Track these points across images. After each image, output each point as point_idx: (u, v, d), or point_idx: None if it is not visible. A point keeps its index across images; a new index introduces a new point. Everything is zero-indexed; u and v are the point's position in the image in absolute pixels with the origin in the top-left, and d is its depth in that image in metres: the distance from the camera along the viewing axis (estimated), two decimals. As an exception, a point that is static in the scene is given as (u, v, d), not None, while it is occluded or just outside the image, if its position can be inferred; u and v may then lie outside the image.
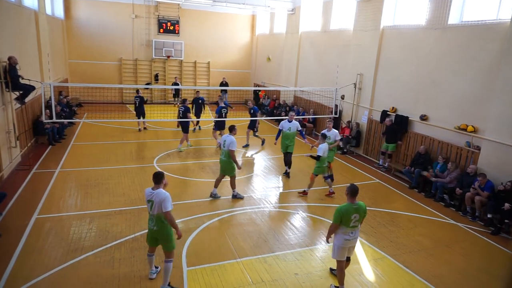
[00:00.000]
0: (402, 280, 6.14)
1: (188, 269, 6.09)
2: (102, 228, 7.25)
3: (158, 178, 5.37)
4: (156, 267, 5.95)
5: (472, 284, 6.27)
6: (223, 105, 13.22)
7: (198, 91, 15.58)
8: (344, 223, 5.38)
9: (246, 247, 6.84)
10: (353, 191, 5.43)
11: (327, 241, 5.91)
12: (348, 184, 5.56)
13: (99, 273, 5.85)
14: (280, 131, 10.88)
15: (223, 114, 13.08)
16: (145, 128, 15.72)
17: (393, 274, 6.31)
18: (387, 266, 6.53)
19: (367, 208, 8.81)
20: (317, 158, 8.99)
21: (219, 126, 13.19)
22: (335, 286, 5.83)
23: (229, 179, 8.98)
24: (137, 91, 15.64)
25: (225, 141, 8.64)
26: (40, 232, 7.00)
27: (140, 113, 15.18)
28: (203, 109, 15.52)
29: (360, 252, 6.98)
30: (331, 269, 6.23)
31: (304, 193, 9.44)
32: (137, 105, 15.21)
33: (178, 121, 13.36)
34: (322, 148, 9.01)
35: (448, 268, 6.60)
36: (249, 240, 7.12)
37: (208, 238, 7.15)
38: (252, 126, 13.82)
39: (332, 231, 5.55)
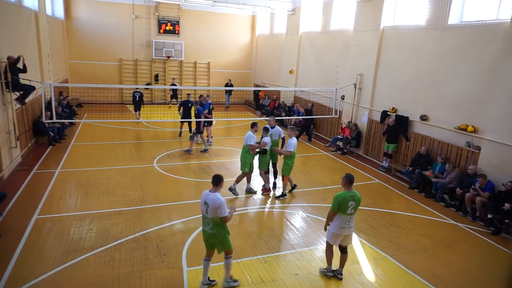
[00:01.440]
0: (402, 280, 6.14)
1: (188, 269, 6.09)
2: (102, 229, 7.25)
3: (217, 180, 5.33)
4: (212, 281, 5.66)
5: (473, 284, 6.26)
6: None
7: (188, 94, 14.86)
8: (341, 210, 5.67)
9: (246, 247, 6.84)
10: (350, 179, 5.77)
11: (325, 229, 6.07)
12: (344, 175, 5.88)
13: (99, 273, 5.85)
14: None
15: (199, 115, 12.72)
16: (139, 119, 17.08)
17: (393, 274, 6.31)
18: (387, 266, 6.53)
19: (368, 208, 8.89)
20: (263, 151, 9.15)
21: (199, 129, 12.82)
22: (323, 269, 6.16)
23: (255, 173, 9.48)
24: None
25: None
26: (40, 232, 7.00)
27: (138, 107, 16.81)
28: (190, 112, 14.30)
29: (360, 252, 6.98)
30: (320, 270, 6.23)
31: (283, 196, 9.34)
32: (137, 99, 16.60)
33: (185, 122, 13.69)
34: (266, 142, 9.09)
35: (448, 268, 6.59)
36: (249, 240, 7.12)
37: (208, 238, 7.14)
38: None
39: (330, 217, 5.84)
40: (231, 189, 9.14)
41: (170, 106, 20.96)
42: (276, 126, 9.85)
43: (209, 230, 5.34)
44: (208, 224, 5.33)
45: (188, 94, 15.09)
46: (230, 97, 22.75)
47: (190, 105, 13.80)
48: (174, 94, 21.49)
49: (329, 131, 15.97)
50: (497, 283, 6.19)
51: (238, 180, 9.23)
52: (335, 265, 6.14)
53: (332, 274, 6.09)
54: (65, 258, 6.15)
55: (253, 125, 9.26)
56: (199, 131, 12.88)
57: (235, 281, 5.68)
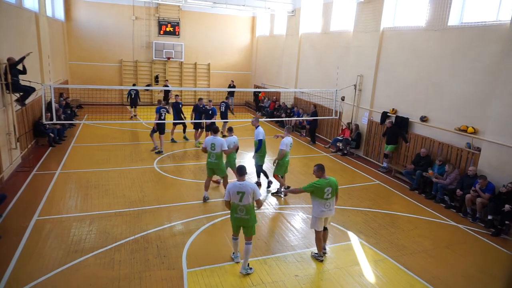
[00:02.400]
0: (403, 282, 6.13)
1: (188, 270, 6.08)
2: (102, 230, 7.24)
3: (243, 170, 5.98)
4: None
5: (473, 286, 6.25)
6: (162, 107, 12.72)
7: (177, 95, 14.53)
8: (319, 196, 6.23)
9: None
10: (321, 168, 6.34)
11: (285, 194, 7.37)
12: (317, 165, 6.38)
13: (99, 274, 5.84)
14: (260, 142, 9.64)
15: (163, 115, 12.47)
16: (135, 116, 18.14)
17: (393, 275, 6.30)
18: (388, 268, 6.52)
19: (368, 209, 8.88)
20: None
21: (160, 128, 12.45)
22: (315, 253, 6.67)
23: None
24: (134, 84, 19.57)
25: (213, 144, 8.53)
26: (40, 233, 6.99)
27: (134, 103, 18.05)
28: (182, 114, 13.91)
29: (361, 253, 6.97)
30: (312, 254, 6.76)
31: (283, 193, 9.48)
32: (132, 96, 17.68)
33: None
34: (233, 142, 9.19)
35: (448, 270, 6.58)
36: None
37: (208, 240, 7.14)
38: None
39: (295, 192, 6.84)
40: (204, 198, 8.84)
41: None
42: (259, 126, 9.73)
43: (244, 215, 5.91)
44: (242, 211, 5.91)
45: (177, 95, 14.69)
46: (233, 99, 22.06)
47: (181, 106, 13.70)
48: (166, 96, 21.03)
49: (329, 132, 15.97)
50: (497, 284, 6.18)
51: (225, 184, 8.65)
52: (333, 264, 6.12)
53: (322, 259, 6.62)
54: (65, 260, 6.15)
55: (230, 130, 9.54)
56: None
57: (251, 268, 6.11)
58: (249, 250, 6.03)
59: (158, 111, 12.42)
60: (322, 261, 6.55)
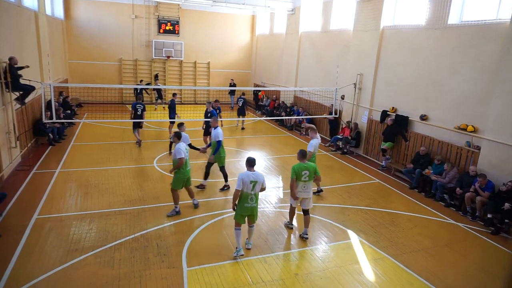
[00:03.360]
0: (402, 280, 6.14)
1: (188, 269, 6.09)
2: (102, 229, 7.25)
3: (254, 162, 6.41)
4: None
5: (472, 284, 6.26)
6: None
7: (175, 93, 14.66)
8: (298, 178, 6.95)
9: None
10: (302, 154, 7.09)
11: (294, 198, 7.16)
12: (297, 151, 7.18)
13: (99, 273, 5.85)
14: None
15: (139, 111, 12.83)
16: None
17: (393, 274, 6.31)
18: (387, 266, 6.53)
19: (368, 208, 8.89)
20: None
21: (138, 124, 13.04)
22: (287, 221, 7.70)
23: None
24: (141, 80, 20.58)
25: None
26: (40, 232, 7.00)
27: (139, 124, 16.58)
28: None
29: (360, 252, 6.98)
30: (285, 223, 7.78)
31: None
32: (139, 112, 15.50)
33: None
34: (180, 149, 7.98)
35: (448, 268, 6.60)
36: (249, 240, 7.12)
37: (209, 238, 7.15)
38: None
39: (292, 185, 7.04)
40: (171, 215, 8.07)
41: (156, 108, 20.73)
42: (218, 127, 9.24)
43: (254, 204, 6.36)
44: (252, 200, 6.32)
45: (174, 93, 14.80)
46: (234, 97, 22.07)
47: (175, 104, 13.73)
48: (159, 95, 20.95)
49: (329, 131, 15.96)
50: (497, 282, 6.19)
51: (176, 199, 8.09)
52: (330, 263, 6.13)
53: (293, 227, 7.61)
54: (65, 258, 6.15)
55: (180, 125, 9.07)
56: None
57: (251, 243, 6.80)
58: (254, 230, 6.76)
59: (134, 107, 12.87)
60: (291, 228, 7.59)
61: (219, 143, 9.11)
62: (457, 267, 6.65)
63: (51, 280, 5.62)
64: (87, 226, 7.30)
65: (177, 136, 7.88)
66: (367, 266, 6.51)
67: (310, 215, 7.36)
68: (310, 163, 7.13)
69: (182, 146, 7.76)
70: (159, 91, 20.79)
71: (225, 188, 9.58)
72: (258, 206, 6.65)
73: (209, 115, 12.56)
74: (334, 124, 15.08)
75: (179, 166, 7.68)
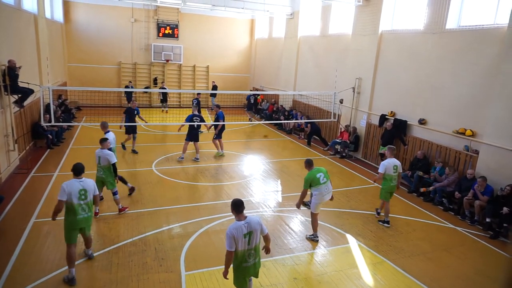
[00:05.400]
0: (401, 284, 6.12)
1: (186, 273, 6.06)
2: (100, 232, 7.22)
3: (242, 205, 4.72)
4: None
5: (471, 289, 6.26)
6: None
7: (199, 94, 15.88)
8: (316, 183, 6.98)
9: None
10: (309, 162, 7.25)
11: (298, 207, 7.21)
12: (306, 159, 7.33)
13: (96, 277, 5.82)
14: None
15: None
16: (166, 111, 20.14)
17: (391, 278, 6.29)
18: (386, 270, 6.51)
19: (367, 212, 8.88)
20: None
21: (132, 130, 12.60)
22: (309, 235, 7.39)
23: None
24: (130, 81, 20.66)
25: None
26: (38, 235, 6.97)
27: (129, 98, 19.07)
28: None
29: (359, 256, 6.96)
30: (307, 236, 7.49)
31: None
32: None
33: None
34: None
35: (446, 272, 6.58)
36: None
37: (207, 242, 7.12)
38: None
39: (303, 196, 7.05)
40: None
41: (164, 111, 20.89)
42: (110, 132, 8.64)
43: (254, 260, 4.76)
44: (251, 256, 4.70)
45: (199, 93, 15.95)
46: (214, 99, 22.11)
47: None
48: (164, 98, 21.11)
49: (327, 135, 15.97)
50: (495, 286, 6.18)
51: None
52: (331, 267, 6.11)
53: (318, 240, 7.32)
54: (63, 262, 6.10)
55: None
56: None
57: None
58: (251, 285, 5.12)
59: (129, 112, 12.56)
60: (317, 241, 7.28)
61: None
62: (455, 271, 6.64)
63: (48, 284, 5.59)
64: (85, 230, 7.26)
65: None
66: (366, 270, 6.50)
67: (309, 218, 7.38)
68: (318, 167, 7.22)
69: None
70: (164, 94, 20.87)
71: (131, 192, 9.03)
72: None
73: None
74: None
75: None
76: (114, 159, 7.72)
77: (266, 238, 4.98)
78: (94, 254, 6.41)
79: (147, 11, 21.70)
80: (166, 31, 22.15)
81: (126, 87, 19.86)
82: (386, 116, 12.35)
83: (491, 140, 8.83)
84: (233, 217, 4.74)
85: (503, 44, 8.60)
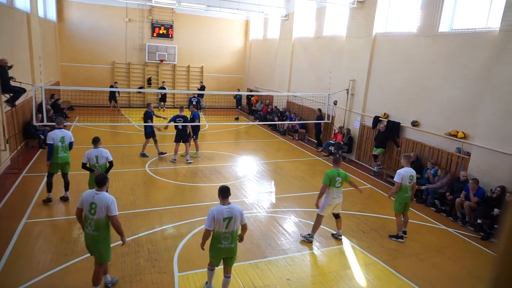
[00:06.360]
0: (393, 285, 6.16)
1: (179, 274, 6.05)
2: (92, 233, 7.15)
3: (228, 192, 5.18)
4: None
5: (463, 289, 6.31)
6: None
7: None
8: (332, 184, 7.11)
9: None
10: (336, 160, 7.47)
11: (317, 206, 7.24)
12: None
13: (89, 278, 5.75)
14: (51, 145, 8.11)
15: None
16: (115, 107, 20.18)
17: (384, 279, 6.33)
18: (379, 271, 6.55)
19: (360, 213, 8.93)
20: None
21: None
22: (306, 234, 7.46)
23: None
24: (115, 81, 20.80)
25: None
26: (29, 236, 6.89)
27: (112, 97, 19.93)
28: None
29: (352, 257, 7.00)
30: (332, 234, 7.73)
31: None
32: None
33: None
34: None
35: (438, 273, 6.64)
36: (240, 245, 7.06)
37: (200, 243, 7.09)
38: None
39: (323, 192, 7.17)
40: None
41: (161, 110, 20.82)
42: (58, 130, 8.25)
43: (230, 244, 5.21)
44: (226, 239, 5.15)
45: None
46: (202, 99, 21.91)
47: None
48: (163, 97, 21.23)
49: (321, 136, 16.03)
50: (485, 286, 6.23)
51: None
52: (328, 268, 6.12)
53: (312, 241, 7.36)
54: (55, 263, 6.07)
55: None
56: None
57: None
58: (228, 283, 5.44)
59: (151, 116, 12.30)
60: (311, 242, 7.35)
61: (51, 147, 8.05)
62: (447, 272, 6.70)
63: (40, 285, 5.53)
64: (77, 231, 7.20)
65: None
66: (359, 271, 6.53)
67: (308, 221, 7.38)
68: (340, 170, 7.35)
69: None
70: (163, 94, 20.87)
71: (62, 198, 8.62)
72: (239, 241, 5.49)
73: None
74: (319, 126, 15.17)
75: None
76: (111, 157, 7.75)
77: (244, 228, 5.38)
78: (87, 255, 6.35)
79: (141, 11, 21.60)
80: (161, 31, 22.08)
81: (111, 86, 19.68)
82: (380, 118, 12.44)
83: (483, 142, 8.93)
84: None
85: (495, 48, 8.70)
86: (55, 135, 8.09)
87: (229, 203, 5.16)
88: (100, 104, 19.68)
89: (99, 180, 5.23)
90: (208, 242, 5.31)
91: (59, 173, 8.50)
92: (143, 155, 12.41)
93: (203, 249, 5.34)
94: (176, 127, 12.02)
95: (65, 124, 14.99)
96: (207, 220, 5.07)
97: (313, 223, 7.67)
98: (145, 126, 12.22)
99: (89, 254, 6.38)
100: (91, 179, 7.50)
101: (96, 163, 7.59)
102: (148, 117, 12.15)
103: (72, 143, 8.54)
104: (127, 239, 6.92)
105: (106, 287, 5.56)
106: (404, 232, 7.91)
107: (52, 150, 8.09)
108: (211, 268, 5.52)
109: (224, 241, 5.16)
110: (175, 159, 12.06)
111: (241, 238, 5.49)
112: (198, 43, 23.21)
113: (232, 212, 5.09)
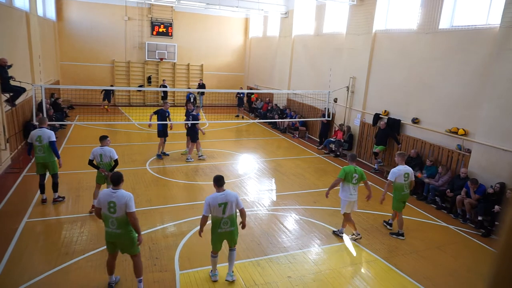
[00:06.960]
0: (394, 282, 6.17)
1: (180, 272, 6.06)
2: (93, 232, 7.18)
3: (222, 180, 5.61)
4: None
5: (463, 286, 6.32)
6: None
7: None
8: (348, 180, 7.10)
9: (239, 250, 6.79)
10: (352, 157, 7.39)
11: (327, 196, 7.37)
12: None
13: (90, 277, 5.79)
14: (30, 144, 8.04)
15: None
16: (106, 105, 19.98)
17: (385, 276, 6.34)
18: (379, 268, 6.56)
19: (360, 210, 8.93)
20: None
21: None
22: (336, 230, 7.62)
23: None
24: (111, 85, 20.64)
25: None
26: (30, 236, 6.91)
27: (107, 97, 19.74)
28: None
29: (352, 254, 7.00)
30: (333, 231, 7.69)
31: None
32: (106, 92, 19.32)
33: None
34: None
35: (439, 270, 6.65)
36: (242, 243, 7.08)
37: (201, 241, 7.08)
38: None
39: (335, 184, 7.21)
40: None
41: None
42: (45, 128, 8.08)
43: (229, 227, 5.60)
44: (226, 224, 5.56)
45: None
46: (202, 97, 22.03)
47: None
48: (165, 95, 21.34)
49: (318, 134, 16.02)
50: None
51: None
52: (328, 264, 6.13)
53: (360, 236, 7.38)
54: (56, 262, 6.08)
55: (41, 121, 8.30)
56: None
57: (232, 274, 5.99)
58: (234, 256, 5.90)
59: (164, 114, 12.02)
60: (341, 237, 7.47)
61: (30, 146, 8.02)
62: (448, 269, 6.71)
63: (41, 284, 5.55)
64: (78, 230, 7.22)
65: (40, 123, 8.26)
66: (360, 268, 6.54)
67: (309, 218, 7.37)
68: (357, 167, 7.30)
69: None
70: (165, 91, 20.87)
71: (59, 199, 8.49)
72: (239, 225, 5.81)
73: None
74: (326, 127, 15.05)
75: None
76: (116, 155, 7.77)
77: (242, 213, 5.66)
78: (88, 254, 6.37)
79: (140, 9, 21.56)
80: (160, 30, 22.03)
81: (112, 86, 19.96)
82: (380, 115, 12.42)
83: (483, 139, 8.92)
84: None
85: (495, 44, 8.68)
86: (32, 134, 7.97)
87: (224, 190, 5.55)
88: (100, 103, 19.68)
89: (114, 179, 5.35)
90: (209, 232, 5.68)
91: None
92: (161, 154, 12.11)
93: (200, 236, 5.69)
94: (185, 125, 12.22)
95: (64, 123, 15.17)
96: (204, 207, 5.49)
97: (313, 220, 7.69)
98: (157, 124, 11.91)
99: (88, 254, 6.38)
100: (98, 176, 7.88)
101: (101, 161, 7.69)
102: (163, 116, 11.84)
103: (53, 142, 7.97)
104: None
105: (109, 286, 5.57)
106: (389, 224, 8.16)
107: (31, 149, 8.06)
108: (214, 255, 5.80)
109: (223, 225, 5.56)
110: (191, 158, 12.07)
111: (243, 225, 5.76)
112: (198, 41, 23.17)
113: (227, 197, 5.47)
